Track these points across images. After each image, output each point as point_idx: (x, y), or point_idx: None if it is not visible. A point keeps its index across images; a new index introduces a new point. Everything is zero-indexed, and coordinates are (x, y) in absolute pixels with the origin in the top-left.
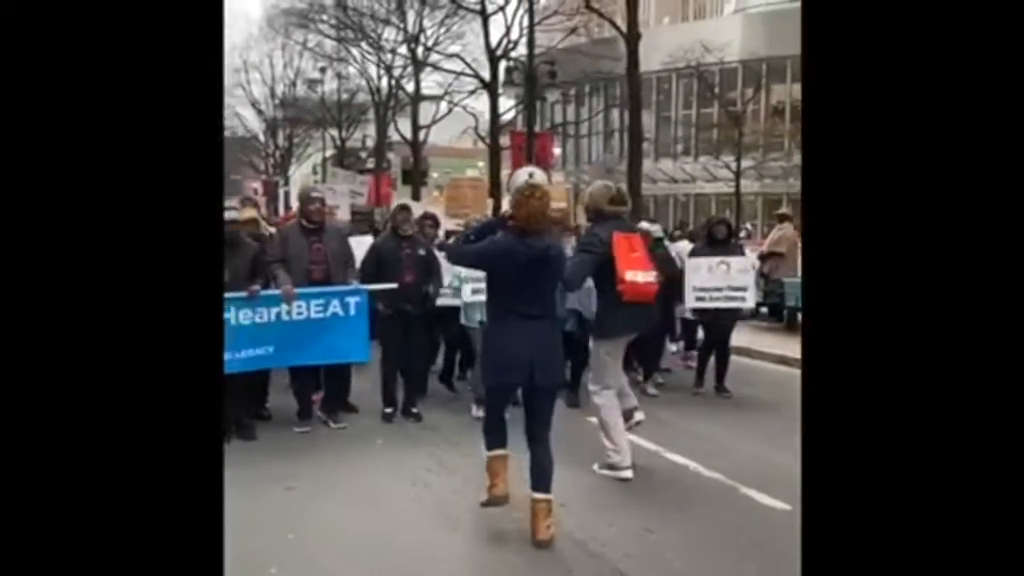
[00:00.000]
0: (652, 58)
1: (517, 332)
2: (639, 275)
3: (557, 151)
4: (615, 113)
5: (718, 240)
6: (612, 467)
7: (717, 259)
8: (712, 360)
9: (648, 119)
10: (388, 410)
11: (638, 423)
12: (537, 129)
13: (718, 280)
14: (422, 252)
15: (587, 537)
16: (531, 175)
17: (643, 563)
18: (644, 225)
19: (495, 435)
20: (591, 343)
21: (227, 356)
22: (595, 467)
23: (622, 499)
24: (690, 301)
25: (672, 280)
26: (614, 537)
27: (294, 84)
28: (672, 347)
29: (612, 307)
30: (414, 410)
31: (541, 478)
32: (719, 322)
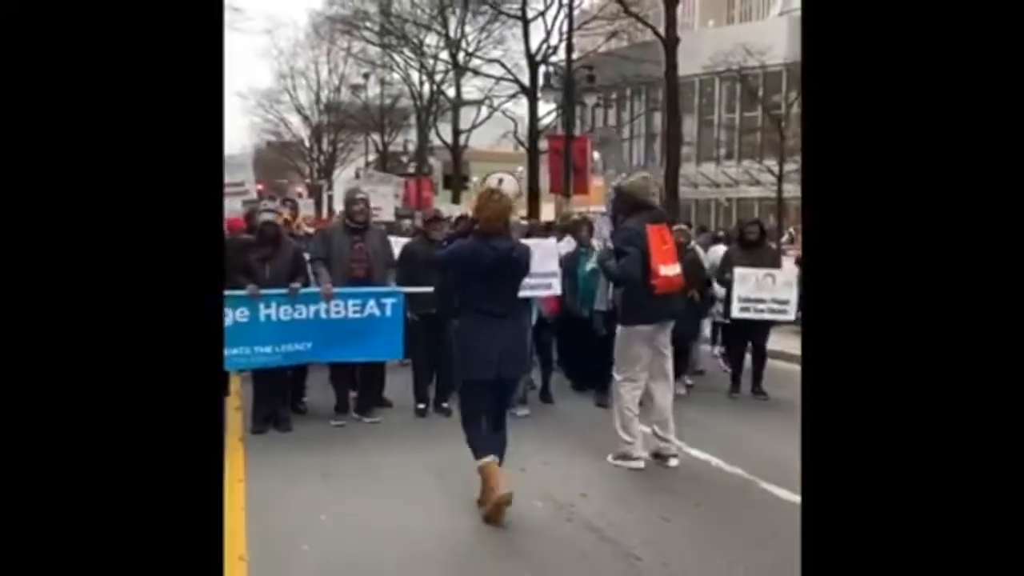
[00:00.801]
0: (694, 61)
1: (485, 330)
2: (670, 269)
3: (597, 155)
4: (657, 117)
5: (751, 242)
6: (625, 457)
7: (764, 271)
8: (749, 363)
9: (690, 123)
10: (420, 406)
11: (632, 468)
12: (576, 133)
13: (764, 292)
14: None
15: (604, 524)
16: (500, 181)
17: (658, 549)
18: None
19: (476, 434)
20: (618, 330)
21: (267, 350)
22: (609, 458)
23: (641, 490)
24: (735, 311)
25: (698, 285)
26: (631, 525)
27: (339, 89)
28: (713, 350)
29: (639, 295)
30: (444, 405)
31: (497, 444)
32: (756, 325)
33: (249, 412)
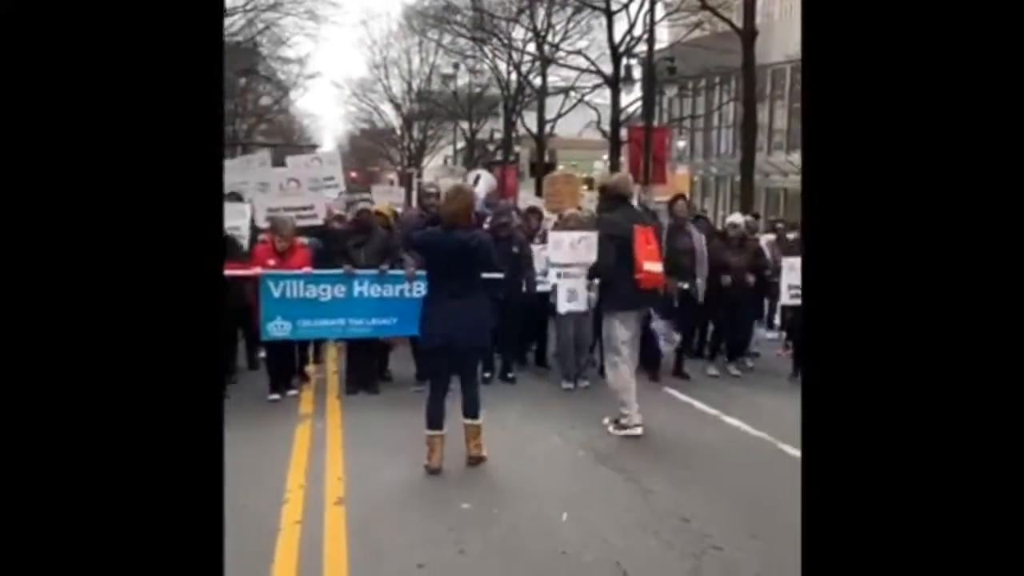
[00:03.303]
0: (776, 51)
1: (442, 306)
2: (654, 266)
3: (682, 144)
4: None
5: None
6: (623, 426)
7: None
8: None
9: (781, 112)
10: (486, 375)
11: (629, 435)
12: (657, 123)
13: None
14: (516, 249)
15: (632, 468)
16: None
17: (674, 487)
18: (733, 218)
19: (434, 411)
20: (604, 318)
21: (359, 323)
22: (609, 428)
23: (666, 446)
24: (784, 298)
25: (758, 271)
26: (654, 470)
27: (429, 79)
28: (771, 334)
29: (617, 286)
30: (509, 375)
31: (470, 408)
32: None
33: (343, 376)
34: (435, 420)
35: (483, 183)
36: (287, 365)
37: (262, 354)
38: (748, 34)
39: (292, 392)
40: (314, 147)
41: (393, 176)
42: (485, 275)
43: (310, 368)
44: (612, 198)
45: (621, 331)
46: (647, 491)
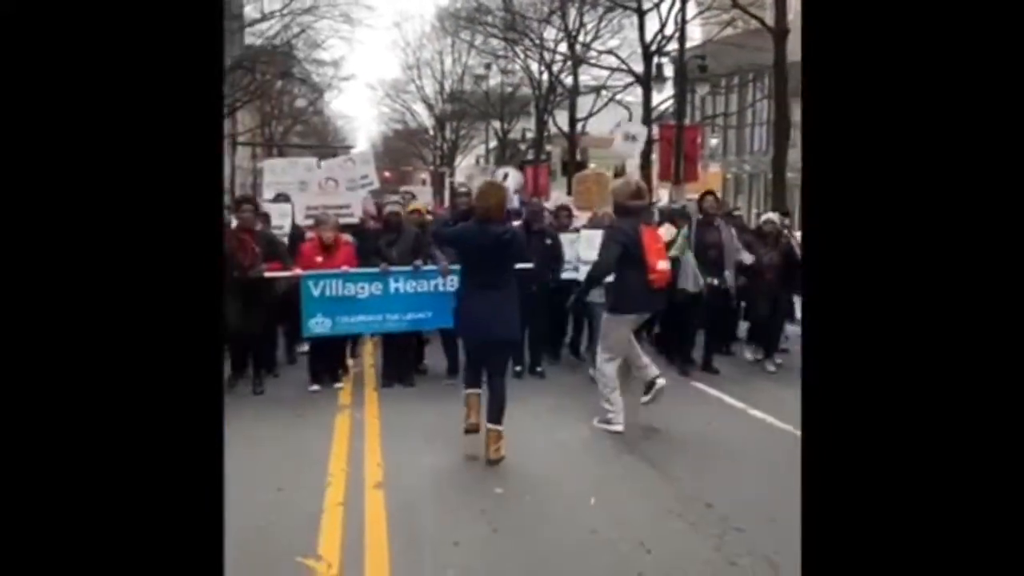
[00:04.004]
0: None
1: (478, 299)
2: (663, 264)
3: (714, 141)
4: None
5: None
6: (608, 423)
7: None
8: None
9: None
10: (517, 368)
11: (659, 390)
12: (689, 121)
13: None
14: (548, 241)
15: (658, 457)
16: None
17: (698, 475)
18: (769, 216)
19: (472, 376)
20: (604, 317)
21: (395, 317)
22: (594, 421)
23: (692, 437)
24: None
25: (791, 267)
26: (680, 459)
27: (462, 79)
28: (799, 330)
29: (630, 288)
30: (539, 368)
31: (493, 412)
32: None
33: (380, 371)
34: (473, 380)
35: (511, 179)
36: (333, 358)
37: (301, 349)
38: (780, 32)
39: (338, 385)
40: (348, 148)
41: (425, 176)
42: (518, 266)
43: (349, 362)
44: (617, 208)
45: (621, 333)
46: (673, 478)
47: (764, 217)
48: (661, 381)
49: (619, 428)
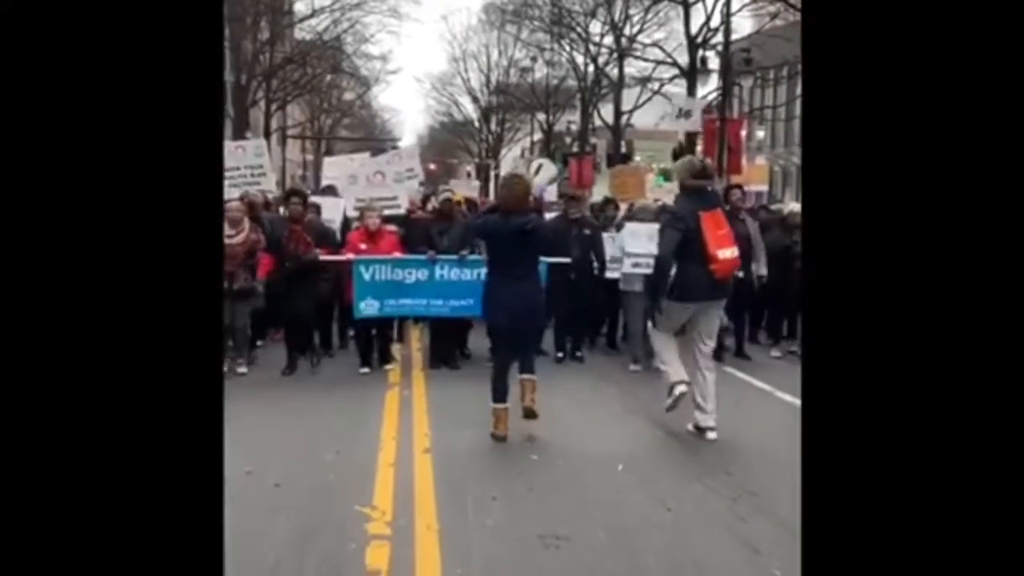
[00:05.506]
0: None
1: (503, 288)
2: (728, 252)
3: (761, 134)
4: None
5: None
6: (670, 393)
7: None
8: None
9: None
10: (559, 354)
11: (679, 396)
12: (735, 114)
13: None
14: (587, 232)
15: (684, 431)
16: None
17: (720, 448)
18: (794, 206)
19: (498, 386)
20: (665, 301)
21: (439, 303)
22: (689, 427)
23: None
24: None
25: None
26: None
27: (507, 71)
28: None
29: (691, 275)
30: (578, 354)
31: (526, 365)
32: None
33: (427, 354)
34: (500, 394)
35: (544, 171)
36: (381, 342)
37: (352, 334)
38: None
39: (388, 367)
40: (395, 141)
41: (471, 168)
42: (554, 260)
43: (396, 347)
44: (681, 188)
45: (679, 318)
46: (696, 450)
47: (789, 208)
48: (681, 388)
49: (683, 389)
